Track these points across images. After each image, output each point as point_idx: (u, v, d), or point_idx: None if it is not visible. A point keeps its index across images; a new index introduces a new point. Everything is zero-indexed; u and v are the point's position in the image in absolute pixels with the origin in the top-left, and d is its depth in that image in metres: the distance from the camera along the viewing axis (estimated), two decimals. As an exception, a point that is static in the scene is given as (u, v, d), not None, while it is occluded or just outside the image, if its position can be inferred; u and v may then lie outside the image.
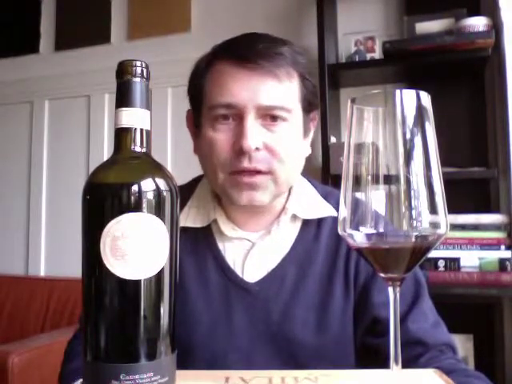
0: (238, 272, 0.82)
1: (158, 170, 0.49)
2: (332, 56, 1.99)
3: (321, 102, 1.74)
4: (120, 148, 0.49)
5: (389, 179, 0.42)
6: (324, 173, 1.82)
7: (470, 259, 1.65)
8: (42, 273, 2.55)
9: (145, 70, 0.49)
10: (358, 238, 0.44)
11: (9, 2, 2.73)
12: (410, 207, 0.42)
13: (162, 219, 0.47)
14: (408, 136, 0.42)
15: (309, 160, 0.86)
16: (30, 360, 1.66)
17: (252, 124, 0.75)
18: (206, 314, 0.81)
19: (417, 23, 1.86)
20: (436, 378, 0.60)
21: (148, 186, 0.47)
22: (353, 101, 0.45)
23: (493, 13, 1.75)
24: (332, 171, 1.79)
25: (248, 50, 0.76)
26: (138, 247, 0.45)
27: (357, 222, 0.43)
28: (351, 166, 0.43)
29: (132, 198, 0.46)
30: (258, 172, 0.76)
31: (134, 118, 0.48)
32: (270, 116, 0.77)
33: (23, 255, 2.59)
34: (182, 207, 0.85)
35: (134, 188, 0.46)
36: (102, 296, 0.46)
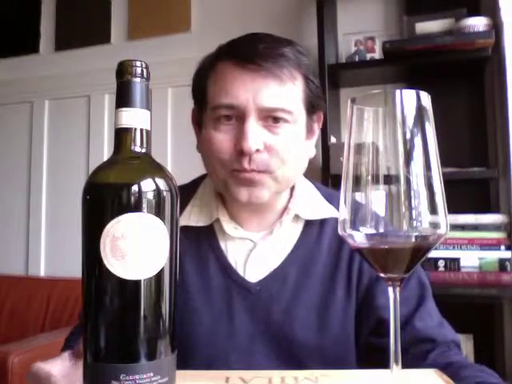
0: (240, 272, 0.82)
1: (157, 170, 0.49)
2: (332, 56, 1.99)
3: (321, 101, 1.74)
4: (120, 148, 0.49)
5: (389, 179, 0.42)
6: (324, 173, 1.82)
7: (470, 259, 1.65)
8: (42, 273, 2.55)
9: (145, 70, 0.49)
10: (358, 238, 0.44)
11: (9, 2, 2.73)
12: (410, 207, 0.42)
13: (162, 219, 0.47)
14: (408, 136, 0.42)
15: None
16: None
17: (253, 125, 0.75)
18: (207, 313, 0.81)
19: (417, 23, 1.86)
20: (436, 378, 0.59)
21: (148, 186, 0.47)
22: (353, 101, 0.45)
23: (493, 13, 1.75)
24: (332, 171, 1.79)
25: (251, 51, 0.76)
26: (137, 247, 0.45)
27: (357, 222, 0.43)
28: (351, 166, 0.43)
29: (132, 198, 0.46)
30: (258, 171, 0.76)
31: (134, 118, 0.48)
32: (271, 117, 0.76)
33: (23, 255, 2.59)
34: (184, 206, 0.85)
35: (134, 188, 0.46)
36: (102, 296, 0.46)
